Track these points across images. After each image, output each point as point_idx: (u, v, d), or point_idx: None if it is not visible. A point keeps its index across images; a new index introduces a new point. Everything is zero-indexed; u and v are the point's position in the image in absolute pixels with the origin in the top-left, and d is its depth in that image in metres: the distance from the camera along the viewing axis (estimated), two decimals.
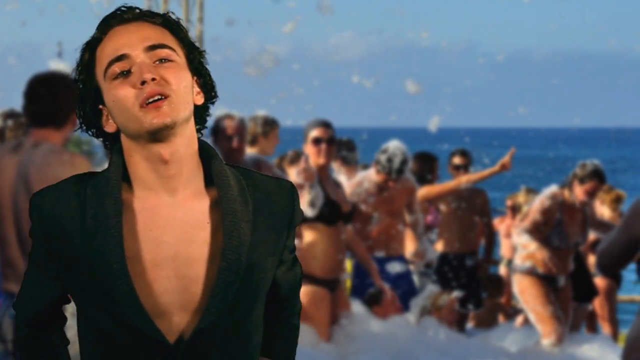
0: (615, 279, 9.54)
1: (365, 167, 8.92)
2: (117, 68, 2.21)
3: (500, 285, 10.04)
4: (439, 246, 8.99)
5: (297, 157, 7.31)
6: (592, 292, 8.78)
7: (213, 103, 2.33)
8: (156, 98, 2.18)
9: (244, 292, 2.24)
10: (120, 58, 2.21)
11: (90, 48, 2.27)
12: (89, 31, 2.30)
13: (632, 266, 5.03)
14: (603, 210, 9.75)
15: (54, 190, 2.27)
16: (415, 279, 8.32)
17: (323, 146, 6.91)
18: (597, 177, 7.97)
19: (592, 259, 8.84)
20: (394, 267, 7.77)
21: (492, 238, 9.20)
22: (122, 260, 2.18)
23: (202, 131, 2.31)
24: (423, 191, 8.40)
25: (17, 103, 5.13)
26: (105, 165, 2.33)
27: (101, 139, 2.32)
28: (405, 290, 7.77)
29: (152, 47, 2.22)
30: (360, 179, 7.81)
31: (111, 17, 2.26)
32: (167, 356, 2.21)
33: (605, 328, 9.53)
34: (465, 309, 8.83)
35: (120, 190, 2.22)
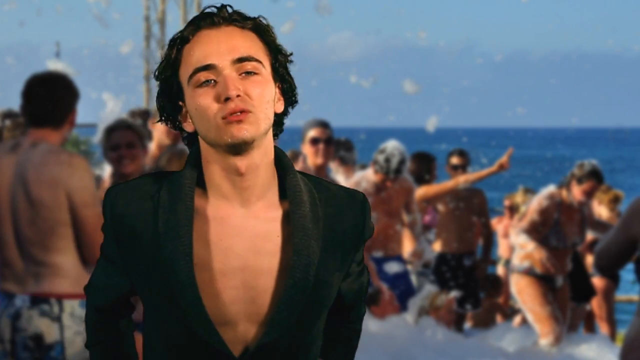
0: (613, 279, 9.53)
1: (363, 167, 8.92)
2: (202, 77, 2.20)
3: (498, 285, 10.05)
4: (437, 246, 8.98)
5: (295, 157, 7.30)
6: (590, 292, 8.77)
7: (293, 107, 2.33)
8: (238, 113, 2.17)
9: (309, 308, 2.24)
10: (207, 67, 2.20)
11: (178, 46, 2.25)
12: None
13: (630, 266, 5.02)
14: (601, 210, 9.75)
15: (129, 189, 2.27)
16: (413, 279, 8.32)
17: (321, 146, 6.90)
18: (595, 177, 7.97)
19: (590, 259, 8.84)
20: (392, 267, 7.76)
21: (490, 238, 9.19)
22: (190, 270, 2.18)
23: (278, 135, 2.31)
24: (421, 191, 8.39)
25: (15, 103, 5.13)
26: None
27: (180, 133, 2.31)
28: (403, 290, 7.76)
29: (240, 60, 2.20)
30: (358, 179, 7.80)
31: (201, 19, 2.24)
32: None
33: (603, 328, 9.52)
34: (463, 309, 8.82)
35: (192, 197, 2.22)
